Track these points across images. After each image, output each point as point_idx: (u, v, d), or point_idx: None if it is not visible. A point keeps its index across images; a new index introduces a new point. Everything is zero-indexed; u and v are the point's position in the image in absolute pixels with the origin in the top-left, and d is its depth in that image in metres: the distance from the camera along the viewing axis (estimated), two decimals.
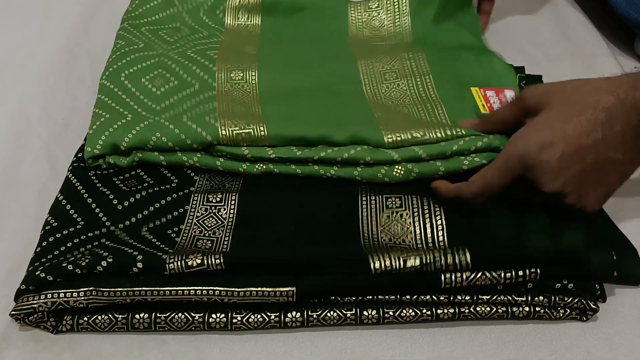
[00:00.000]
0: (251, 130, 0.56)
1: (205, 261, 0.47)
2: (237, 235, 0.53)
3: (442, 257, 0.47)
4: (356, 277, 0.48)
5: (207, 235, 0.53)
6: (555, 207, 0.51)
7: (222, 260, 0.47)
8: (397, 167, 0.55)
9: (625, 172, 0.51)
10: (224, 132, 0.55)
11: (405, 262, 0.47)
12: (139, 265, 0.47)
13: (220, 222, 0.54)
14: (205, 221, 0.54)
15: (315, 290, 0.48)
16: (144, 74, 0.64)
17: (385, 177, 0.55)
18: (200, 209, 0.55)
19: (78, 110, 0.68)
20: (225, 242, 0.52)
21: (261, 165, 0.56)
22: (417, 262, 0.47)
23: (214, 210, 0.54)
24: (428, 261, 0.47)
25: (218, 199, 0.55)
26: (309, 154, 0.55)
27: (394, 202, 0.54)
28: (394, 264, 0.47)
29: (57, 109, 0.68)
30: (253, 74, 0.65)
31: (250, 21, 0.75)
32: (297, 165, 0.56)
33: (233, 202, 0.55)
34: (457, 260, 0.47)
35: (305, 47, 0.70)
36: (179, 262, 0.47)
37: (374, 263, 0.48)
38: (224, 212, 0.54)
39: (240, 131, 0.56)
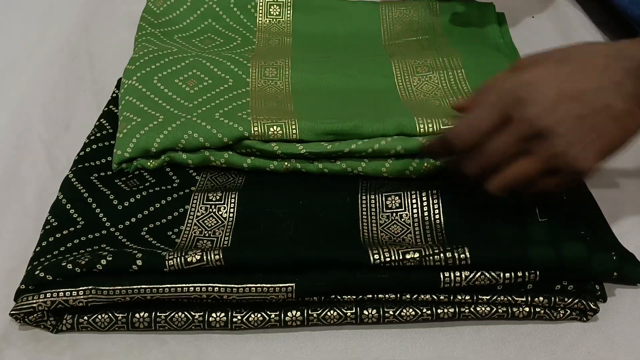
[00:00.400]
0: (283, 124, 0.56)
1: (205, 257, 0.47)
2: (237, 235, 0.53)
3: (442, 253, 0.47)
4: (356, 272, 0.48)
5: (207, 235, 0.53)
6: (540, 163, 0.47)
7: (221, 257, 0.47)
8: (425, 163, 0.55)
9: (626, 126, 0.46)
10: (256, 127, 0.56)
11: (404, 254, 0.48)
12: (139, 262, 0.47)
13: (220, 222, 0.54)
14: (205, 221, 0.54)
15: (314, 287, 0.48)
16: (177, 75, 0.64)
17: (414, 173, 0.56)
18: (200, 208, 0.55)
19: (78, 110, 0.68)
20: (225, 242, 0.52)
21: (288, 163, 0.57)
22: (417, 254, 0.47)
23: (214, 210, 0.54)
24: (427, 254, 0.47)
25: (218, 197, 0.55)
26: (339, 147, 0.56)
27: (393, 202, 0.54)
28: (393, 256, 0.48)
29: (58, 110, 0.68)
30: (286, 71, 0.66)
31: (282, 17, 0.75)
32: (324, 163, 0.56)
33: (233, 201, 0.55)
34: (456, 256, 0.47)
35: (337, 44, 0.71)
36: (178, 258, 0.47)
37: (373, 255, 0.48)
38: (224, 211, 0.54)
39: (272, 124, 0.56)
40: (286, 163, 0.57)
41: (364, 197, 0.55)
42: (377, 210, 0.54)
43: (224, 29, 0.74)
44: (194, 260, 0.47)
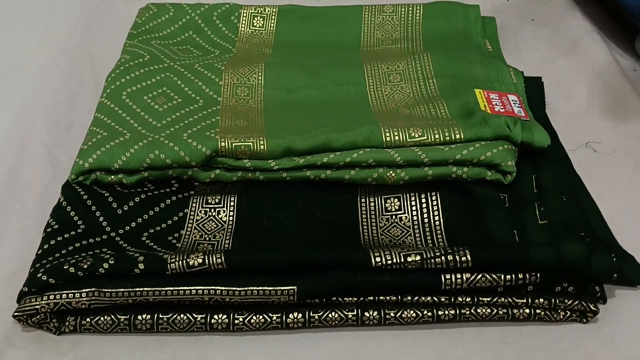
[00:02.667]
0: (251, 143, 0.55)
1: (207, 260, 0.47)
2: (237, 238, 0.53)
3: (443, 256, 0.48)
4: (357, 274, 0.48)
5: (207, 239, 0.53)
6: None
7: (223, 260, 0.47)
8: (389, 172, 0.55)
9: None
10: (223, 143, 0.55)
11: (406, 257, 0.48)
12: (141, 266, 0.47)
13: (220, 225, 0.54)
14: (205, 225, 0.54)
15: (316, 289, 0.48)
16: (146, 92, 0.63)
17: (375, 181, 0.55)
18: (200, 211, 0.55)
19: (80, 113, 0.68)
20: (226, 246, 0.52)
21: (250, 174, 0.56)
22: (418, 257, 0.48)
23: (214, 213, 0.55)
24: (429, 256, 0.48)
25: (217, 201, 0.55)
26: (311, 160, 0.55)
27: (392, 204, 0.55)
28: (394, 258, 0.48)
29: (59, 112, 0.68)
30: (259, 90, 0.64)
31: (265, 28, 0.75)
32: (289, 172, 0.56)
33: (232, 204, 0.55)
34: (457, 259, 0.48)
35: (315, 56, 0.70)
36: (180, 261, 0.47)
37: (375, 257, 0.48)
38: (224, 214, 0.55)
39: (240, 144, 0.55)
40: (250, 174, 0.56)
41: (363, 200, 0.55)
42: (377, 213, 0.54)
43: (204, 41, 0.73)
44: (196, 263, 0.47)
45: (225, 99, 0.63)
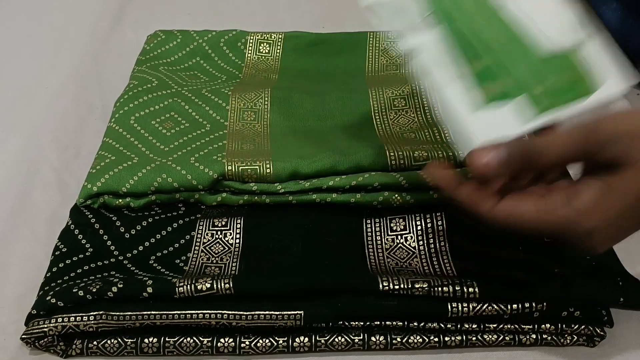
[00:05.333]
0: (257, 167, 0.56)
1: (215, 285, 0.47)
2: (244, 261, 0.53)
3: (450, 285, 0.48)
4: (364, 300, 0.48)
5: (214, 262, 0.53)
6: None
7: (231, 285, 0.48)
8: (395, 195, 0.55)
9: None
10: (230, 167, 0.55)
11: (413, 283, 0.48)
12: (149, 290, 0.48)
13: (227, 248, 0.54)
14: (212, 247, 0.54)
15: (323, 314, 0.48)
16: (154, 117, 0.64)
17: (380, 205, 0.56)
18: (207, 234, 0.55)
19: (88, 137, 0.68)
20: (233, 269, 0.52)
21: (257, 197, 0.56)
22: (425, 285, 0.48)
23: (220, 236, 0.55)
24: (436, 284, 0.48)
25: (223, 224, 0.56)
26: (317, 183, 0.56)
27: (398, 225, 0.55)
28: (402, 284, 0.48)
29: (68, 137, 0.69)
30: (265, 115, 0.65)
31: (271, 54, 0.76)
32: (295, 196, 0.56)
33: (239, 227, 0.55)
34: (465, 290, 0.48)
35: (320, 82, 0.71)
36: (188, 285, 0.48)
37: (382, 282, 0.48)
38: (230, 237, 0.55)
39: (247, 167, 0.55)
40: (256, 197, 0.56)
41: (368, 221, 0.56)
42: (382, 234, 0.54)
43: (211, 67, 0.74)
44: (204, 288, 0.47)
45: (232, 124, 0.64)
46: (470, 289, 0.48)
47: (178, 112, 0.65)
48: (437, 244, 0.54)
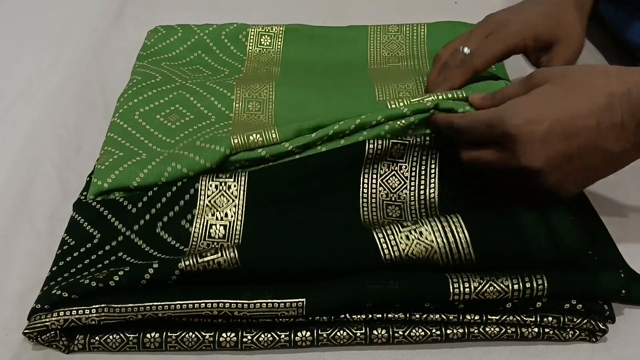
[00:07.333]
0: (262, 131, 0.57)
1: (221, 254, 0.48)
2: (249, 215, 0.54)
3: (438, 222, 0.49)
4: (366, 284, 0.48)
5: (219, 217, 0.54)
6: (526, 189, 0.50)
7: (237, 255, 0.48)
8: (398, 121, 0.56)
9: (616, 164, 0.48)
10: (236, 140, 0.56)
11: (421, 233, 0.48)
12: (155, 265, 0.48)
13: (231, 200, 0.54)
14: (217, 200, 0.54)
15: (325, 301, 0.48)
16: (159, 111, 0.64)
17: (388, 133, 0.57)
18: (210, 186, 0.55)
19: (89, 134, 0.69)
20: (238, 227, 0.53)
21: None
22: (415, 226, 0.49)
23: (224, 188, 0.55)
24: (423, 224, 0.49)
25: (228, 175, 0.56)
26: (324, 132, 0.56)
27: (397, 152, 0.57)
28: (399, 244, 0.48)
29: (69, 133, 0.69)
30: (270, 105, 0.65)
31: (273, 47, 0.76)
32: (303, 152, 0.57)
33: (243, 179, 0.56)
34: (454, 228, 0.48)
35: (323, 75, 0.71)
36: (193, 258, 0.48)
37: (383, 251, 0.48)
38: (234, 188, 0.55)
39: (252, 133, 0.57)
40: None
41: (370, 143, 0.56)
42: (380, 161, 0.57)
43: (213, 61, 0.74)
44: (209, 255, 0.48)
45: (236, 115, 0.64)
46: (462, 236, 0.48)
47: (182, 104, 0.65)
48: (428, 176, 0.56)
